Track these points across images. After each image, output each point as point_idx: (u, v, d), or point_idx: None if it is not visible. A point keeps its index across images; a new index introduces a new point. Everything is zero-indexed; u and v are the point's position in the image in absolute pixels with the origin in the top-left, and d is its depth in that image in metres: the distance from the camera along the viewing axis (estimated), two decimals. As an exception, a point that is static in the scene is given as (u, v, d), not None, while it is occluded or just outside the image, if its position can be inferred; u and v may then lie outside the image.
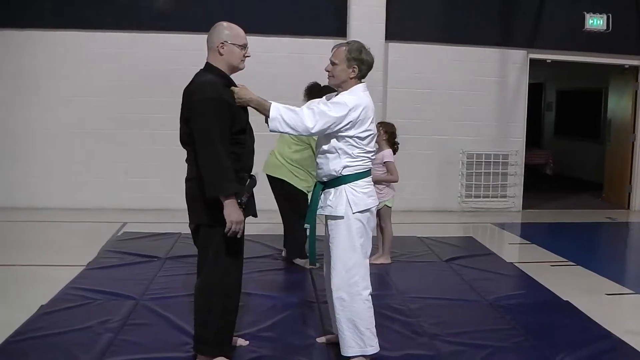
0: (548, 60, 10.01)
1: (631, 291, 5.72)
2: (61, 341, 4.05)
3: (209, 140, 3.38)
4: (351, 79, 3.74)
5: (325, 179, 3.78)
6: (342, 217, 3.69)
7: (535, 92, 13.17)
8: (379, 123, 6.24)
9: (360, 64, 3.71)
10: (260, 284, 5.46)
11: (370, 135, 3.73)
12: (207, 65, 3.65)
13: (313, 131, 3.59)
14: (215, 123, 3.39)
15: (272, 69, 8.72)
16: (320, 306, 4.82)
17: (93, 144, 8.85)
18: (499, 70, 9.59)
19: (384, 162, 6.17)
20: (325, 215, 3.79)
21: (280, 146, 6.01)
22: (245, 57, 3.66)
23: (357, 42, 3.81)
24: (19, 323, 4.29)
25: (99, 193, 8.90)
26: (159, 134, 8.65)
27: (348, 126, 3.61)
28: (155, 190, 8.81)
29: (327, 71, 3.79)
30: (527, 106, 9.83)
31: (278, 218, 6.28)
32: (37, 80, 8.69)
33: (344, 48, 3.73)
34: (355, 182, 3.71)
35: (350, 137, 3.65)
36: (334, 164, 3.70)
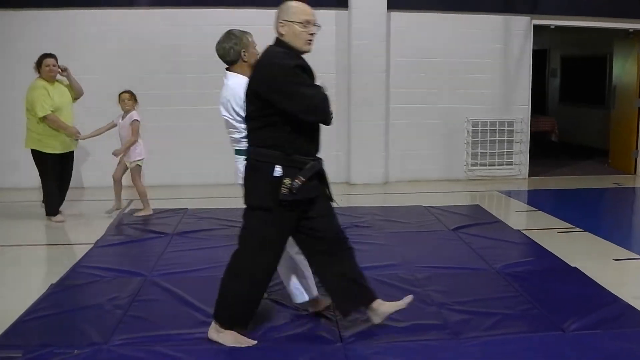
0: (552, 26, 9.91)
1: (639, 256, 5.72)
2: (71, 319, 4.09)
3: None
4: None
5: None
6: None
7: (539, 59, 13.06)
8: (126, 92, 7.03)
9: None
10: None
11: None
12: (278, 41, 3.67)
13: None
14: None
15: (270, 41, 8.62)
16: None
17: (94, 121, 8.80)
18: (503, 37, 9.49)
19: (133, 121, 6.90)
20: None
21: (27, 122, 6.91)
22: (311, 35, 3.57)
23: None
24: (29, 302, 4.31)
25: (105, 171, 8.88)
26: (163, 110, 8.56)
27: None
28: (160, 166, 8.78)
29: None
30: (531, 73, 9.75)
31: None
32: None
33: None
34: None
35: None
36: None
